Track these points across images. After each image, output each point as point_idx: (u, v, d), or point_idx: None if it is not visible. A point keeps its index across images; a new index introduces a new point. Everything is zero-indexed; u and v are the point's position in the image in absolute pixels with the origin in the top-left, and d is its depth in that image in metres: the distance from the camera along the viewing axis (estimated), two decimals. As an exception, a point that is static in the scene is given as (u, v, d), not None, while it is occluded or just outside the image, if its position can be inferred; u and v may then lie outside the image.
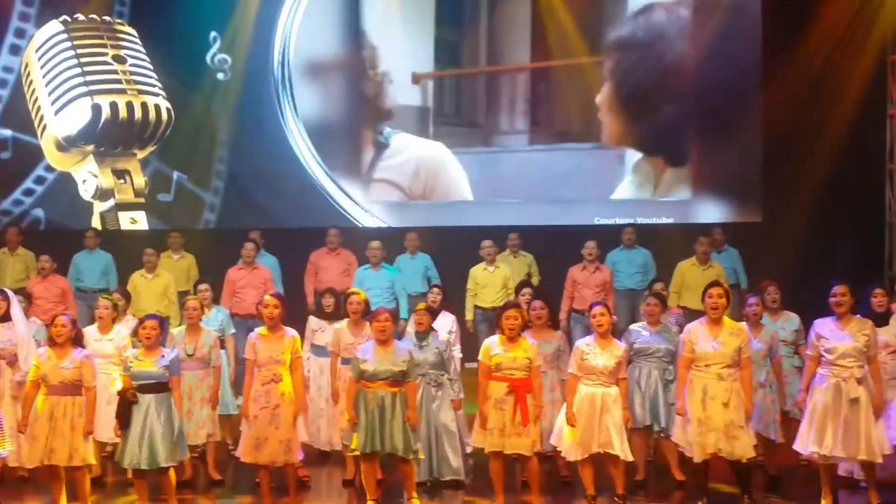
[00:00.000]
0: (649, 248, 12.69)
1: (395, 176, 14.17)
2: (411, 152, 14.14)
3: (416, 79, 14.13)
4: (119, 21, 14.16)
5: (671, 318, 9.73)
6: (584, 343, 8.40)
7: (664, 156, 13.88)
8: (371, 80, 14.07)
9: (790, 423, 9.04)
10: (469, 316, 12.15)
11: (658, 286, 10.14)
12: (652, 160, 13.88)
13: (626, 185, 13.97)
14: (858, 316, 8.21)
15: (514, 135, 14.21)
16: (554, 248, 12.74)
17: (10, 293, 9.16)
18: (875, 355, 8.15)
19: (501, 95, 14.17)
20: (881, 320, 8.65)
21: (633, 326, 9.22)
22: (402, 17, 14.15)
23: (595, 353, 8.27)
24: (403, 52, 14.17)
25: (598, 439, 8.18)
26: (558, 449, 8.50)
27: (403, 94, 14.16)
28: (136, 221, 14.24)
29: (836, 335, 8.08)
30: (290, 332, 8.43)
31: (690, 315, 10.36)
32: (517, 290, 10.38)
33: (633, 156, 13.94)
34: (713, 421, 8.05)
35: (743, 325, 8.48)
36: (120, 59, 13.96)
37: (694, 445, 8.16)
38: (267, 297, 8.44)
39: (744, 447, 8.10)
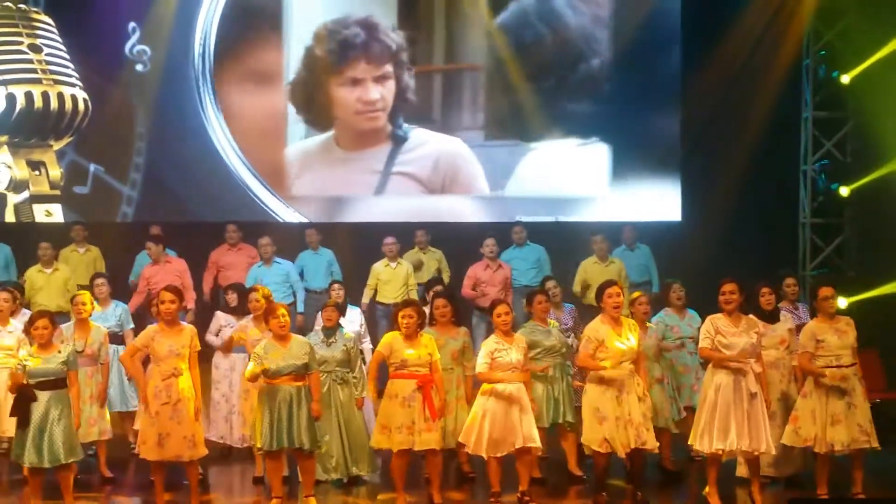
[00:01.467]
0: (568, 245, 12.78)
1: (414, 170, 14.05)
2: (431, 146, 14.06)
3: None
4: (35, 9, 13.85)
5: (566, 313, 9.81)
6: (493, 342, 8.39)
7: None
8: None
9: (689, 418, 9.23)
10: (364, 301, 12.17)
11: (549, 284, 10.17)
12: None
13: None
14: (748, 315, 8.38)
15: (473, 130, 14.19)
16: (464, 245, 12.81)
17: None
18: (761, 352, 8.31)
19: (459, 92, 14.19)
20: (770, 318, 8.81)
21: (523, 329, 9.09)
22: (362, 11, 14.03)
23: (506, 349, 8.29)
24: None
25: (519, 434, 8.18)
26: (465, 447, 8.49)
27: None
28: (51, 214, 13.99)
29: (731, 332, 8.19)
30: (189, 326, 8.33)
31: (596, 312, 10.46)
32: (428, 287, 10.37)
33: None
34: (632, 416, 8.14)
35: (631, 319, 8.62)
36: (36, 49, 13.71)
37: (615, 442, 8.21)
38: (164, 291, 8.28)
39: (654, 439, 8.27)
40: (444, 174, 14.05)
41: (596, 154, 14.04)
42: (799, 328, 8.83)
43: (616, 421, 8.17)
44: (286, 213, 14.10)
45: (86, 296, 9.18)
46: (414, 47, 14.14)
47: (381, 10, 14.07)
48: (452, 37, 14.19)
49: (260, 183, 14.11)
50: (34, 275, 11.67)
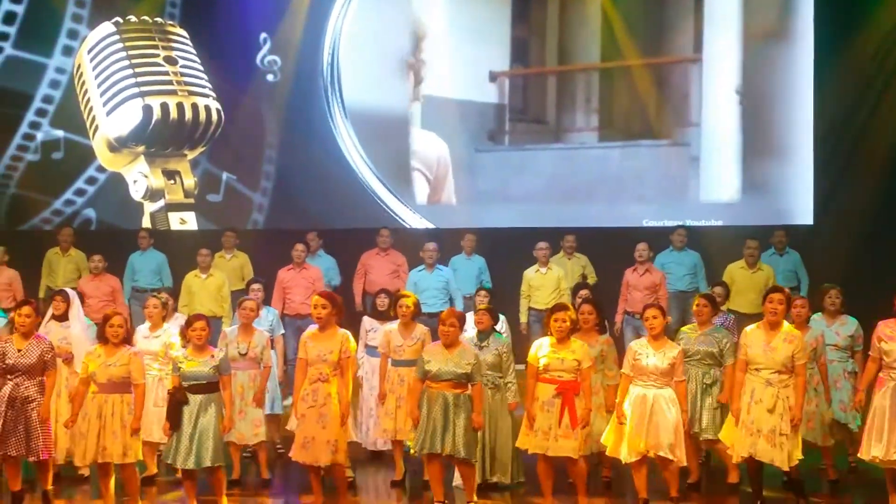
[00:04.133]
0: (696, 250, 12.59)
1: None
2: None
3: (494, 77, 14.11)
4: (170, 22, 14.30)
5: (718, 319, 9.65)
6: (637, 343, 8.37)
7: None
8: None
9: (839, 428, 9.09)
10: (523, 318, 12.07)
11: (718, 289, 10.02)
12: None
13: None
14: None
15: (586, 132, 14.09)
16: (608, 250, 12.69)
17: (71, 294, 9.31)
18: None
19: (572, 93, 14.11)
20: None
21: (684, 329, 9.13)
22: (476, 15, 14.13)
23: (647, 353, 8.21)
24: (479, 50, 14.11)
25: (647, 441, 8.11)
26: (605, 450, 8.44)
27: (481, 91, 14.12)
28: (185, 222, 14.35)
29: (893, 338, 8.05)
30: (342, 332, 8.30)
31: (739, 318, 10.30)
32: (574, 292, 10.31)
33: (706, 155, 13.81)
34: (756, 424, 8.01)
35: (799, 332, 8.37)
36: (171, 61, 14.09)
37: (734, 446, 8.14)
38: (315, 296, 8.35)
39: (784, 456, 8.01)
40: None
41: (724, 156, 13.82)
42: None
43: (741, 426, 8.09)
44: (413, 220, 14.19)
45: (253, 302, 9.38)
46: (527, 49, 14.13)
47: (494, 10, 14.10)
48: (566, 37, 14.12)
49: (387, 189, 14.23)
50: (191, 280, 11.92)
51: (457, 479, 8.70)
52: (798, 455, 8.11)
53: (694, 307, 9.07)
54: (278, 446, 9.98)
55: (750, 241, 11.99)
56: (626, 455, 8.20)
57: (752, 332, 8.22)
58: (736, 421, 8.16)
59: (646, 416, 8.12)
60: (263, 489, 9.24)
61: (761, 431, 7.99)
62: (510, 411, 9.01)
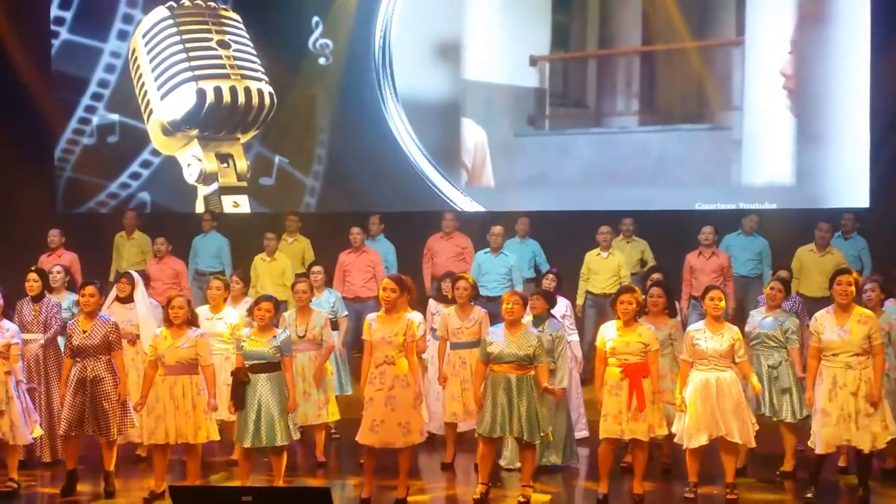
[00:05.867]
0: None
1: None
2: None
3: (534, 61, 14.03)
4: (223, 6, 14.38)
5: (787, 304, 9.59)
6: (694, 328, 8.34)
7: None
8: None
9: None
10: (580, 301, 12.05)
11: (783, 273, 9.96)
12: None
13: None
14: None
15: (626, 116, 13.97)
16: (657, 233, 12.63)
17: (136, 276, 9.43)
18: None
19: (613, 77, 14.01)
20: None
21: (753, 312, 9.13)
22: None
23: (705, 337, 8.18)
24: (519, 34, 14.02)
25: (719, 425, 8.08)
26: (675, 436, 8.41)
27: (521, 76, 14.05)
28: (238, 205, 14.46)
29: None
30: (410, 315, 8.32)
31: (806, 301, 10.23)
32: (645, 277, 10.24)
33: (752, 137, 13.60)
34: (843, 411, 7.94)
35: (872, 313, 8.29)
36: (224, 45, 14.17)
37: (817, 437, 8.07)
38: (385, 279, 8.36)
39: (868, 438, 7.97)
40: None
41: (770, 139, 13.67)
42: None
43: (823, 416, 8.00)
44: (463, 203, 14.17)
45: (306, 284, 9.46)
46: (568, 33, 14.06)
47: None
48: (607, 21, 14.01)
49: (438, 173, 14.22)
50: (258, 263, 12.07)
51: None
52: (885, 437, 8.04)
53: (768, 290, 9.05)
54: (332, 431, 10.02)
55: (823, 223, 11.87)
56: (692, 441, 8.18)
57: (824, 317, 8.13)
58: (810, 407, 8.14)
59: (711, 399, 8.09)
60: (317, 471, 9.29)
61: (848, 418, 7.92)
62: (557, 398, 9.00)
